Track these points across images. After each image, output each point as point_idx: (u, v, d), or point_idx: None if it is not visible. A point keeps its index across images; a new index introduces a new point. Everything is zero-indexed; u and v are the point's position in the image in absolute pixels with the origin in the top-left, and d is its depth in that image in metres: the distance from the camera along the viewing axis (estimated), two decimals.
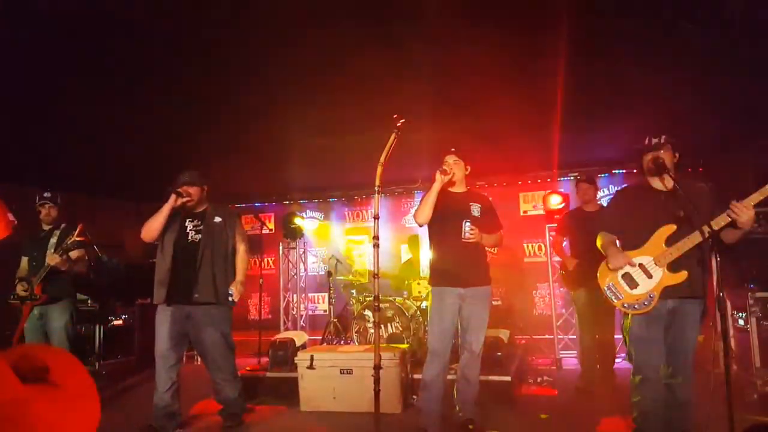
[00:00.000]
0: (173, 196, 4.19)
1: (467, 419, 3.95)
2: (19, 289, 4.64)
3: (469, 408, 3.98)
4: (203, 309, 4.25)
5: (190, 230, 4.37)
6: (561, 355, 6.90)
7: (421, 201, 3.97)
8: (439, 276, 4.01)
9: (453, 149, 4.08)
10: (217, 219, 4.44)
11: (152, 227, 4.21)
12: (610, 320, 5.14)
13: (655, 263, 3.16)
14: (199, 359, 7.08)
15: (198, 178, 4.37)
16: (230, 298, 4.31)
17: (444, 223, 3.97)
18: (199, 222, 4.39)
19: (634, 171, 7.45)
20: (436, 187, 3.87)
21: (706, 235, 2.94)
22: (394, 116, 3.31)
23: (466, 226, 3.86)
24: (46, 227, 4.95)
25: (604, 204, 5.55)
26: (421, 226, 4.04)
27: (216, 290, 4.27)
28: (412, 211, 7.33)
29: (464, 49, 4.04)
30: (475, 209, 4.02)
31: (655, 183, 3.33)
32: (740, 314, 5.03)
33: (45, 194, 4.98)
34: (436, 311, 3.96)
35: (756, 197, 2.93)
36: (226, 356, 4.40)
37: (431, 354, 3.93)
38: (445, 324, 3.90)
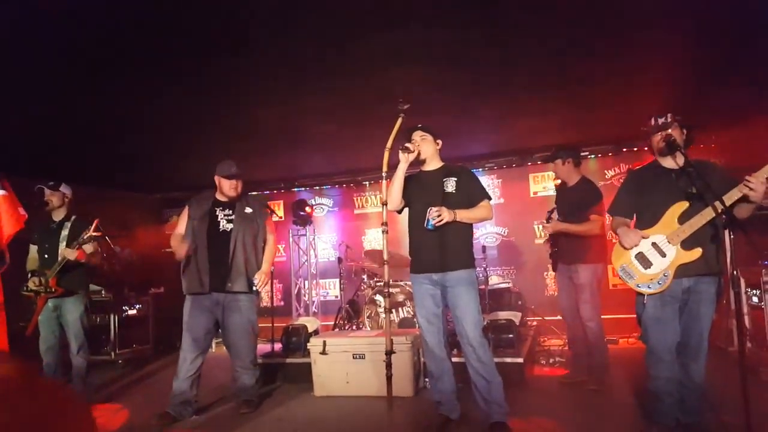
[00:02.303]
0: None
1: (496, 423, 3.51)
2: (32, 284, 4.58)
3: (496, 409, 3.54)
4: (234, 296, 4.30)
5: (221, 219, 4.38)
6: None
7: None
8: (414, 262, 3.80)
9: (419, 125, 3.84)
10: (248, 210, 4.46)
11: (177, 248, 4.24)
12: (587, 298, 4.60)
13: (668, 241, 3.13)
14: (214, 347, 7.15)
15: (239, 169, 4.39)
16: (254, 288, 4.34)
17: (416, 205, 3.75)
18: (231, 211, 4.40)
19: (645, 149, 7.35)
20: (402, 167, 3.63)
21: (719, 210, 2.90)
22: (400, 100, 3.27)
23: (430, 213, 3.51)
24: (55, 219, 4.80)
25: (589, 178, 4.93)
26: (398, 212, 3.86)
27: (248, 280, 4.32)
28: None
29: (471, 31, 3.96)
30: (450, 184, 3.73)
31: (666, 162, 3.29)
32: (754, 291, 4.99)
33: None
34: (416, 299, 3.80)
35: None
36: (249, 343, 4.45)
37: (426, 344, 3.76)
38: (427, 310, 3.70)
